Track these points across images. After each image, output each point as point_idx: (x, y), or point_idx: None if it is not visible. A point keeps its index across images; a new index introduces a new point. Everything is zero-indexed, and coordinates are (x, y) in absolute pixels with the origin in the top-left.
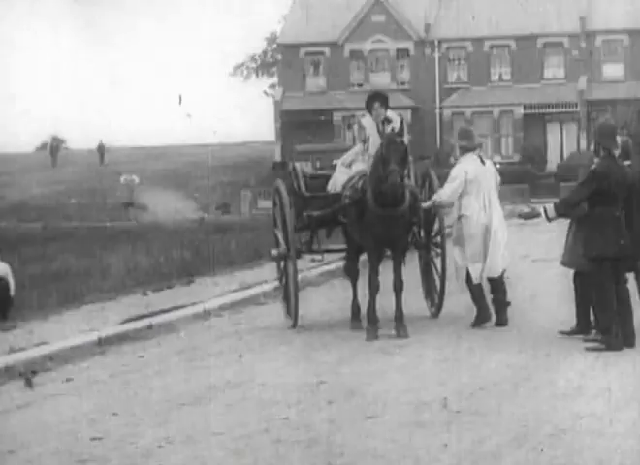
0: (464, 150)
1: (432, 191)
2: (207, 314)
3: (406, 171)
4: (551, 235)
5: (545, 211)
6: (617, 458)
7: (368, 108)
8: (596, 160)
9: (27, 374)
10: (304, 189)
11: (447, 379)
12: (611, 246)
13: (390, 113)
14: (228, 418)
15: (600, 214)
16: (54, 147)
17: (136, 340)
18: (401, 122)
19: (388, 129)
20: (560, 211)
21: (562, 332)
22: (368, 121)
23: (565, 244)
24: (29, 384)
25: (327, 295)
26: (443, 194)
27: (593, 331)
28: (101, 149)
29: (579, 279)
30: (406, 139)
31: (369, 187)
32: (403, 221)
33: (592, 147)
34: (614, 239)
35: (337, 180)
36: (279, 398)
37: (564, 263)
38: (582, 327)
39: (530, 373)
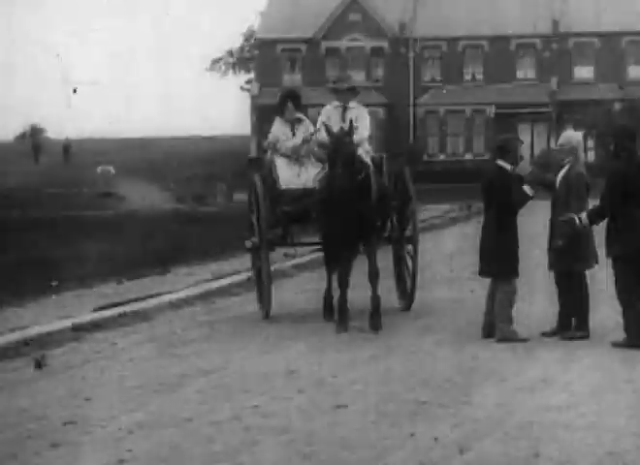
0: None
1: (404, 187)
2: (180, 303)
3: (372, 167)
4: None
5: (580, 220)
6: (582, 450)
7: (281, 107)
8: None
9: None
10: (277, 183)
11: (415, 370)
12: (633, 246)
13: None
14: (199, 406)
15: (622, 214)
16: (36, 144)
17: (110, 328)
18: (350, 121)
19: (299, 130)
20: (594, 221)
21: (544, 333)
22: (278, 122)
23: (549, 248)
24: None
25: (299, 287)
26: None
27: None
28: (66, 147)
29: (564, 280)
30: (364, 134)
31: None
32: (367, 216)
33: (612, 149)
34: (635, 239)
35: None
36: (250, 386)
37: (551, 267)
38: (563, 327)
39: (497, 366)
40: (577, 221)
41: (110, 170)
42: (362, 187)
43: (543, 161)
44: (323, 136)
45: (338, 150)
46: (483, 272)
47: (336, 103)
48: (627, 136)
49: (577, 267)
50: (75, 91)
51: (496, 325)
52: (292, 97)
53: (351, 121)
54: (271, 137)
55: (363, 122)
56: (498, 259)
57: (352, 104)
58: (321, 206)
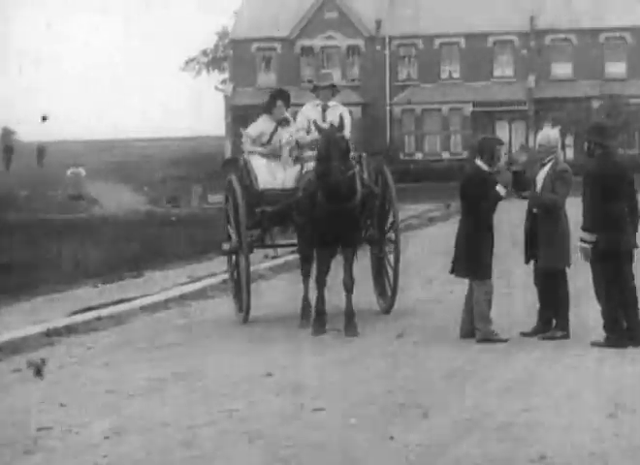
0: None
1: (386, 186)
2: (156, 306)
3: (357, 166)
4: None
5: (586, 242)
6: (563, 451)
7: (270, 105)
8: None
9: None
10: (255, 183)
11: (393, 372)
12: (614, 241)
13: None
14: (175, 410)
15: (600, 212)
16: (8, 147)
17: (85, 332)
18: (340, 117)
19: (286, 131)
20: (590, 228)
21: (524, 334)
22: (264, 119)
23: (526, 245)
24: None
25: (276, 289)
26: None
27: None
28: (40, 151)
29: (544, 279)
30: (347, 133)
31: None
32: (353, 215)
33: (585, 147)
34: (617, 234)
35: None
36: (227, 390)
37: (540, 266)
38: (543, 327)
39: (477, 367)
40: (590, 245)
41: (80, 172)
42: (350, 184)
43: (519, 159)
44: (300, 136)
45: (332, 144)
46: (455, 271)
47: (317, 101)
48: (601, 133)
49: (559, 265)
50: (44, 119)
51: (476, 326)
52: (282, 97)
53: (341, 116)
54: (251, 131)
55: (345, 121)
56: (471, 259)
57: (331, 103)
58: (309, 201)
